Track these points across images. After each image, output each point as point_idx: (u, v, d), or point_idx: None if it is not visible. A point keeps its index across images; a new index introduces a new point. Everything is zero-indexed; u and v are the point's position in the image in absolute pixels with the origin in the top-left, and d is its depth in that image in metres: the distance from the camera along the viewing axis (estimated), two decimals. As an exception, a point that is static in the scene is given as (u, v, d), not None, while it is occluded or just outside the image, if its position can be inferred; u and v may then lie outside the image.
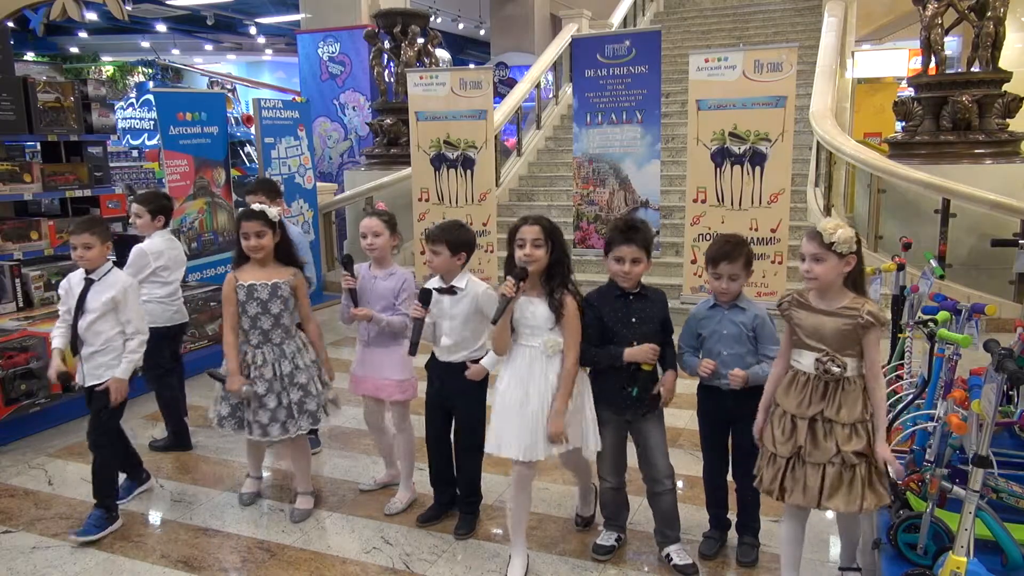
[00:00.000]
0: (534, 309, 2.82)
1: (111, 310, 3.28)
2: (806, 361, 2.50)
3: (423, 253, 7.53)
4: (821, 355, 2.45)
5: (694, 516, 3.28)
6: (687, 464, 3.84)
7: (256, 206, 3.23)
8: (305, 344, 3.38)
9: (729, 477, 3.04)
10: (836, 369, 2.44)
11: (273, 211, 3.23)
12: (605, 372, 2.90)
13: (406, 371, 3.40)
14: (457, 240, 3.06)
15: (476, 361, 3.12)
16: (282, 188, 7.34)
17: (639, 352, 2.81)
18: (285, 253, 3.33)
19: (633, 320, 2.87)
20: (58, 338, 3.36)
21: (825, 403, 2.45)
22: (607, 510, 3.15)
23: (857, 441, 2.42)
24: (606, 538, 3.13)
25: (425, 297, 3.03)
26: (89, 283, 3.30)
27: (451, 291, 3.10)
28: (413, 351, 3.07)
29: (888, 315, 2.49)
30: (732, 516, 3.11)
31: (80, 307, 3.28)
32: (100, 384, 3.29)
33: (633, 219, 2.96)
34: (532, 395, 2.82)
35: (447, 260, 3.07)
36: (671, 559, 2.98)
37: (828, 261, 2.40)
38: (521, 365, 2.86)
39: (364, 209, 9.17)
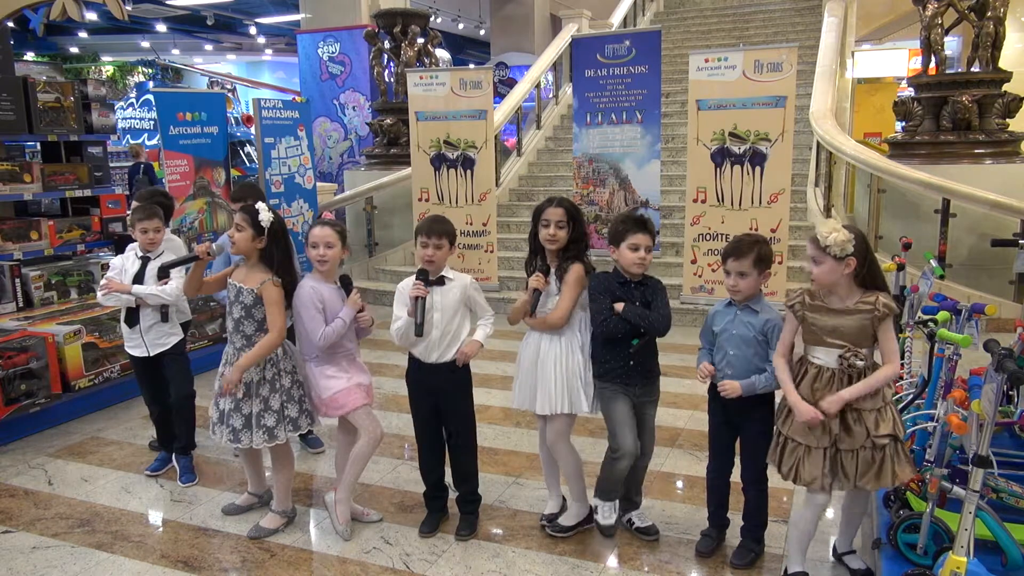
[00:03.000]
0: (550, 278, 3.08)
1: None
2: (828, 358, 2.60)
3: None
4: (844, 351, 2.56)
5: (693, 516, 3.29)
6: (687, 464, 3.84)
7: (259, 205, 3.20)
8: (287, 354, 3.26)
9: (735, 478, 3.02)
10: (860, 363, 2.56)
11: (266, 214, 3.13)
12: (612, 347, 3.03)
13: (317, 389, 3.26)
14: (453, 233, 3.18)
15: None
16: (283, 188, 7.34)
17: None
18: (269, 260, 3.19)
19: (636, 304, 3.00)
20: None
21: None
22: (622, 484, 3.15)
23: (884, 425, 2.54)
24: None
25: (423, 275, 3.08)
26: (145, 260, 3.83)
27: (440, 281, 3.13)
28: (420, 331, 3.04)
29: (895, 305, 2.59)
30: (729, 516, 3.11)
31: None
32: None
33: (640, 213, 3.19)
34: (544, 355, 3.10)
35: (447, 253, 3.13)
36: (632, 523, 3.19)
37: (825, 264, 2.51)
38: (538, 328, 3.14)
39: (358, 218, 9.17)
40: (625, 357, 3.00)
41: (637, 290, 3.01)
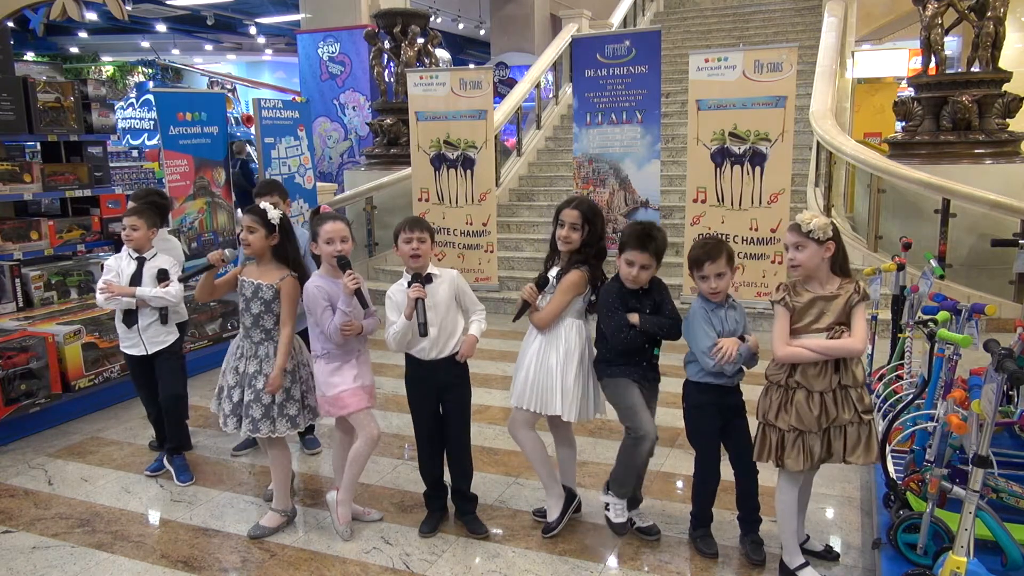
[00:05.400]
0: (554, 280, 3.09)
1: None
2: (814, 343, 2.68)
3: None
4: (832, 333, 2.66)
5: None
6: (687, 464, 3.82)
7: (264, 204, 3.21)
8: (299, 348, 3.33)
9: (728, 475, 3.04)
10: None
11: (275, 212, 3.20)
12: (629, 355, 3.02)
13: (322, 387, 3.25)
14: (432, 230, 3.18)
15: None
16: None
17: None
18: (282, 255, 3.25)
19: (647, 312, 3.02)
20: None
21: (839, 374, 2.68)
22: (637, 479, 3.18)
23: (866, 401, 2.70)
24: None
25: (417, 278, 3.06)
26: (141, 261, 3.85)
27: (428, 279, 3.13)
28: (425, 331, 3.01)
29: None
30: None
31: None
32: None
33: (650, 226, 3.03)
34: (525, 349, 3.18)
35: (430, 248, 3.13)
36: (633, 523, 3.19)
37: (808, 248, 2.65)
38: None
39: (359, 213, 9.17)
40: (640, 362, 3.03)
41: (646, 296, 3.02)
